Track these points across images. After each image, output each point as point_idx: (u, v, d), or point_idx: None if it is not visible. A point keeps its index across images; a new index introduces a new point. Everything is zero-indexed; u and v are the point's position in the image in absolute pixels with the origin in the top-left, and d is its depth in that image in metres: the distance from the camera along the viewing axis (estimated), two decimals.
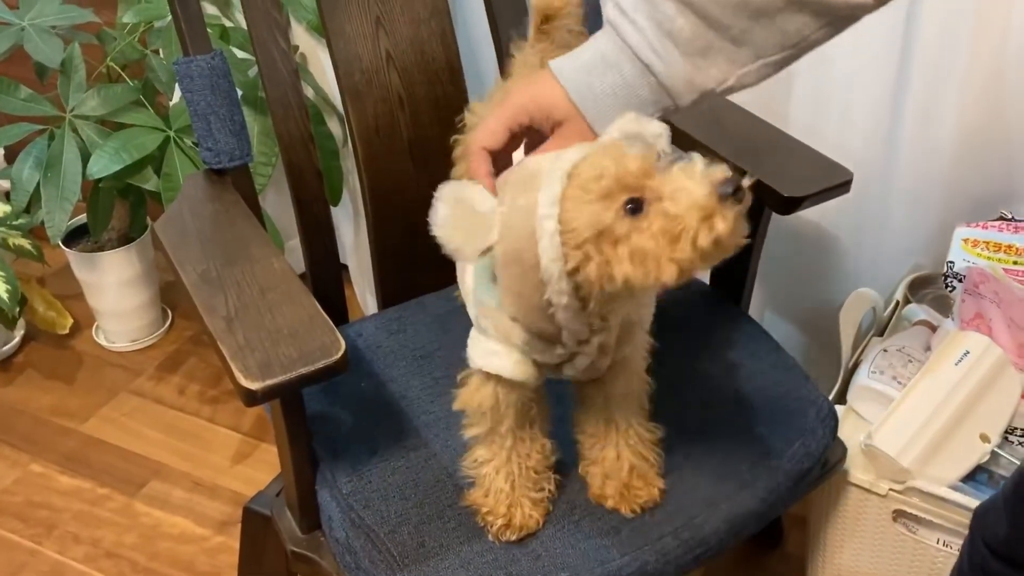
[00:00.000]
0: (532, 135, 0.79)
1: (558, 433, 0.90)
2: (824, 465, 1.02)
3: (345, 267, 1.91)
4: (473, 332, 0.86)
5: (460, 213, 0.73)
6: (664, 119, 0.74)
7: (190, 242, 0.94)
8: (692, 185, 0.65)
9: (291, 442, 0.91)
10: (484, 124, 0.78)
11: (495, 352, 0.81)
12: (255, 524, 1.12)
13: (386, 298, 1.21)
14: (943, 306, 1.32)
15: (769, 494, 0.93)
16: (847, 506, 1.13)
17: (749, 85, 0.73)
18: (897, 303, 1.34)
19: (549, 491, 0.89)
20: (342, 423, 0.99)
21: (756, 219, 1.06)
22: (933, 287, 1.36)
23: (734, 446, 0.96)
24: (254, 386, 0.76)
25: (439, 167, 1.15)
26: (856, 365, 1.26)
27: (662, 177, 0.67)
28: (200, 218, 0.98)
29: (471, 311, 0.87)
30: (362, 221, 1.44)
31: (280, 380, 0.77)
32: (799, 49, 0.70)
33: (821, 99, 1.27)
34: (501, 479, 0.87)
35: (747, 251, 1.09)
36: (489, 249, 0.74)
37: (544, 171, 0.70)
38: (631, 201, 0.67)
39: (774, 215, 1.05)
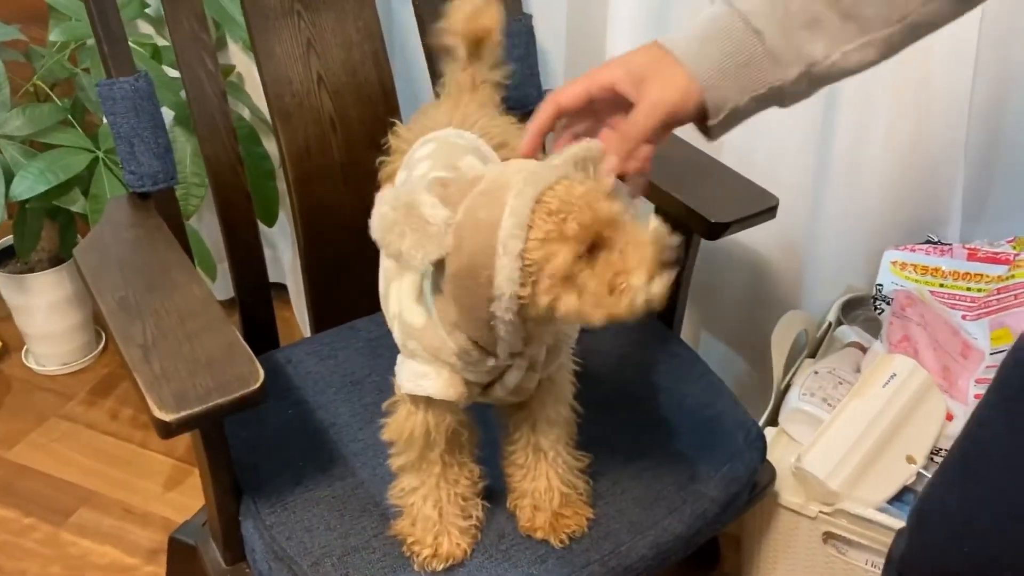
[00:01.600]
0: (599, 117, 0.79)
1: (486, 457, 0.89)
2: (753, 488, 1.02)
3: (285, 287, 1.88)
4: (400, 357, 0.85)
5: (408, 219, 0.72)
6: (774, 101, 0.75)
7: (110, 268, 0.92)
8: (644, 244, 0.68)
9: (213, 473, 0.89)
10: (568, 83, 0.78)
11: (424, 374, 0.80)
12: (181, 555, 1.10)
13: (318, 322, 1.20)
14: (874, 328, 1.34)
15: (696, 519, 0.93)
16: (778, 528, 1.14)
17: (850, 69, 0.73)
18: (830, 324, 1.36)
19: (477, 518, 0.88)
20: (268, 452, 0.98)
21: (686, 244, 1.07)
22: (865, 308, 1.38)
23: (663, 470, 0.96)
24: (168, 417, 0.74)
25: (371, 190, 1.14)
26: (788, 387, 1.27)
27: (622, 228, 0.69)
28: (121, 243, 0.96)
29: (396, 336, 0.86)
30: None
31: (195, 411, 0.75)
32: (904, 27, 0.71)
33: (753, 123, 1.29)
34: (428, 507, 0.86)
35: (678, 275, 1.10)
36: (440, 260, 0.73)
37: (512, 187, 0.69)
38: (592, 246, 0.69)
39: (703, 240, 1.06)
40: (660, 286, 0.69)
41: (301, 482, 0.95)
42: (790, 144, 1.27)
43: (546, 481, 0.87)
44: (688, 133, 1.17)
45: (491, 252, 0.69)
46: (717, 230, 0.99)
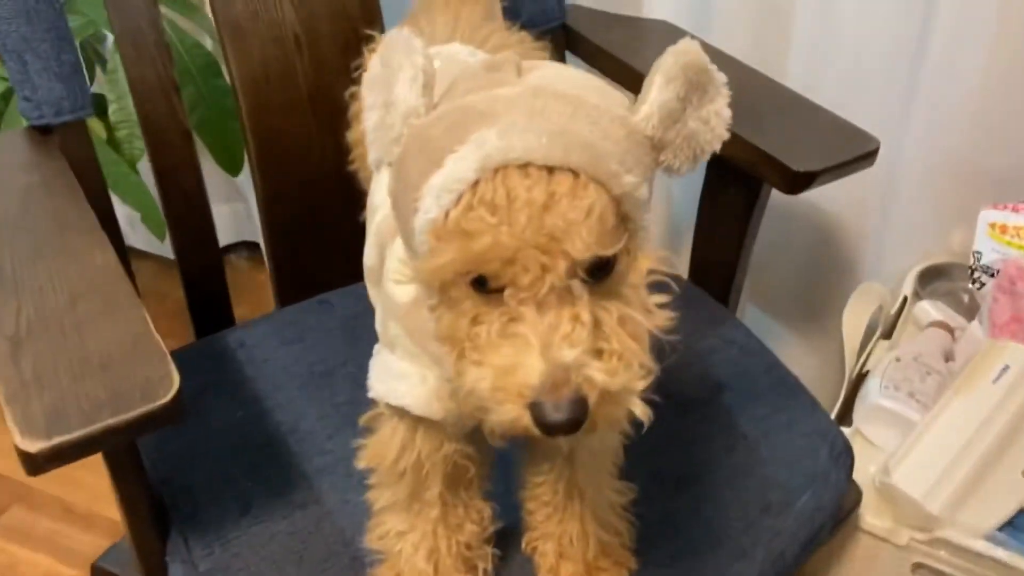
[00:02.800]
0: None
1: (496, 479, 0.67)
2: (835, 515, 0.79)
3: (258, 247, 1.65)
4: (377, 347, 0.62)
5: (386, 85, 0.50)
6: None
7: None
8: (528, 358, 0.45)
9: (124, 505, 0.66)
10: None
11: (401, 375, 0.58)
12: None
13: (283, 293, 0.96)
14: (959, 303, 1.10)
15: (772, 564, 0.70)
16: (854, 555, 0.92)
17: None
18: (905, 299, 1.12)
19: (485, 572, 0.65)
20: (206, 469, 0.75)
21: (752, 199, 0.83)
22: (946, 280, 1.14)
23: (725, 501, 0.73)
24: (34, 447, 0.51)
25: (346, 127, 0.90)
26: (860, 376, 1.04)
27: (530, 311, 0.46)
28: (6, 193, 0.72)
29: (377, 316, 0.63)
30: None
31: (75, 437, 0.52)
32: None
33: (822, 54, 1.04)
34: (421, 558, 0.63)
35: (738, 240, 0.86)
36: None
37: (480, 129, 0.46)
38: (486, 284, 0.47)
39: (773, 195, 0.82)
40: (634, 407, 0.47)
41: (249, 511, 0.72)
42: (868, 77, 1.02)
43: (579, 525, 0.64)
44: (750, 59, 0.94)
45: (413, 199, 0.48)
46: (801, 181, 0.75)
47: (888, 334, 1.09)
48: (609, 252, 0.45)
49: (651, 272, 0.50)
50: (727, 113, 0.51)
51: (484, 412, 0.46)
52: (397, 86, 0.49)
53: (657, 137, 0.49)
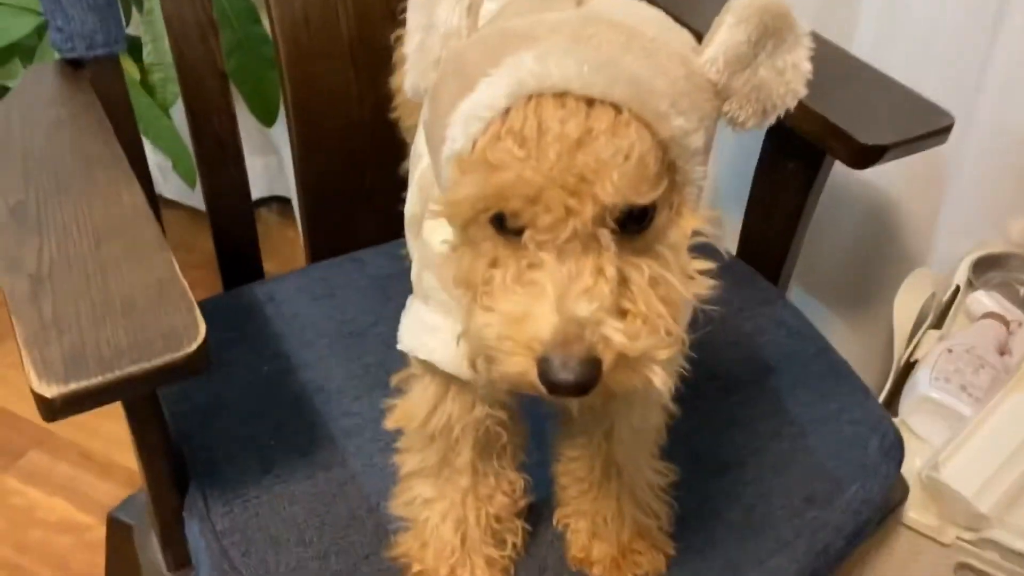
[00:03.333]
0: None
1: (529, 456, 0.63)
2: (882, 510, 0.76)
3: (289, 203, 1.62)
4: (410, 299, 0.60)
5: (426, 5, 0.48)
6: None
7: (9, 161, 0.65)
8: (541, 308, 0.41)
9: (143, 457, 0.63)
10: None
11: (433, 328, 0.55)
12: (122, 537, 0.85)
13: (315, 250, 0.93)
14: (1014, 295, 1.05)
15: (815, 557, 0.67)
16: (894, 551, 0.88)
17: None
18: (957, 288, 1.07)
19: (514, 547, 0.62)
20: (228, 425, 0.72)
21: (812, 173, 0.78)
22: (1001, 270, 1.09)
23: (768, 488, 0.69)
24: (51, 392, 0.48)
25: (388, 76, 0.86)
26: (908, 365, 0.99)
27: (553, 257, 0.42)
28: (33, 127, 0.69)
29: (413, 267, 0.60)
30: None
31: (93, 383, 0.49)
32: None
33: (891, 26, 0.99)
34: (448, 528, 0.60)
35: (794, 216, 0.81)
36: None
37: (520, 50, 0.43)
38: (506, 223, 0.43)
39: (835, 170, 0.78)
40: (653, 376, 0.42)
41: (271, 469, 0.69)
42: (939, 43, 0.96)
43: (615, 504, 0.61)
44: (816, 25, 0.89)
45: (442, 127, 0.45)
46: (870, 156, 0.70)
47: (938, 323, 1.05)
48: (644, 201, 0.41)
49: (696, 234, 0.46)
50: (806, 67, 0.46)
51: (489, 361, 0.43)
52: (439, 7, 0.45)
53: (721, 83, 0.45)
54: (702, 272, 0.45)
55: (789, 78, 0.46)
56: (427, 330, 0.56)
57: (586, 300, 0.40)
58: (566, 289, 0.40)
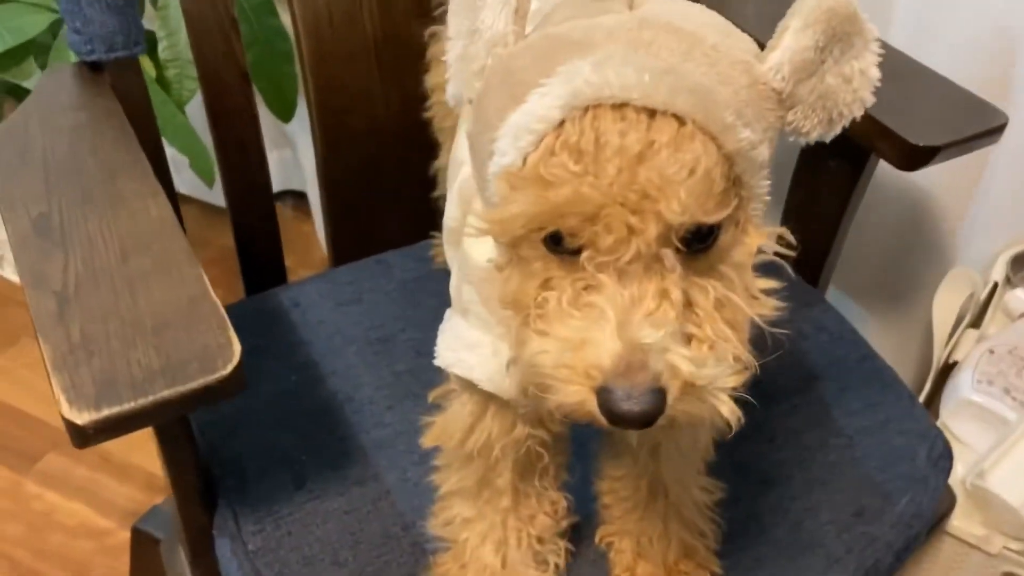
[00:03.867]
0: None
1: (571, 471, 0.61)
2: (931, 523, 0.73)
3: (305, 197, 1.59)
4: (449, 312, 0.57)
5: (468, 8, 0.45)
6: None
7: (30, 170, 0.62)
8: (601, 333, 0.38)
9: (172, 476, 0.61)
10: None
11: (473, 344, 0.53)
12: (147, 548, 0.84)
13: (338, 252, 0.91)
14: None
15: (864, 574, 0.65)
16: (937, 560, 0.86)
17: None
18: (995, 285, 1.05)
19: (556, 568, 0.60)
20: (257, 438, 0.70)
21: (856, 173, 0.75)
22: None
23: (815, 503, 0.67)
24: (82, 419, 0.46)
25: (416, 75, 0.83)
26: (947, 366, 0.97)
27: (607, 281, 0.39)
28: (53, 133, 0.66)
29: (453, 279, 0.57)
30: None
31: (126, 409, 0.47)
32: None
33: (928, 18, 0.96)
34: (488, 550, 0.58)
35: (836, 217, 0.79)
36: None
37: (573, 58, 0.40)
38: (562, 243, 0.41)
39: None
40: (720, 407, 0.40)
41: (302, 485, 0.67)
42: (979, 33, 0.93)
43: (661, 524, 0.58)
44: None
45: (489, 140, 0.42)
46: (920, 157, 0.68)
47: (976, 322, 1.02)
48: (712, 219, 0.39)
49: (761, 252, 0.43)
50: (875, 73, 0.44)
51: (544, 390, 0.41)
52: (484, 11, 0.43)
53: (786, 91, 0.42)
54: (767, 292, 0.43)
55: (856, 85, 0.43)
56: (466, 346, 0.54)
57: (650, 325, 0.38)
58: (628, 313, 0.38)
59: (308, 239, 1.58)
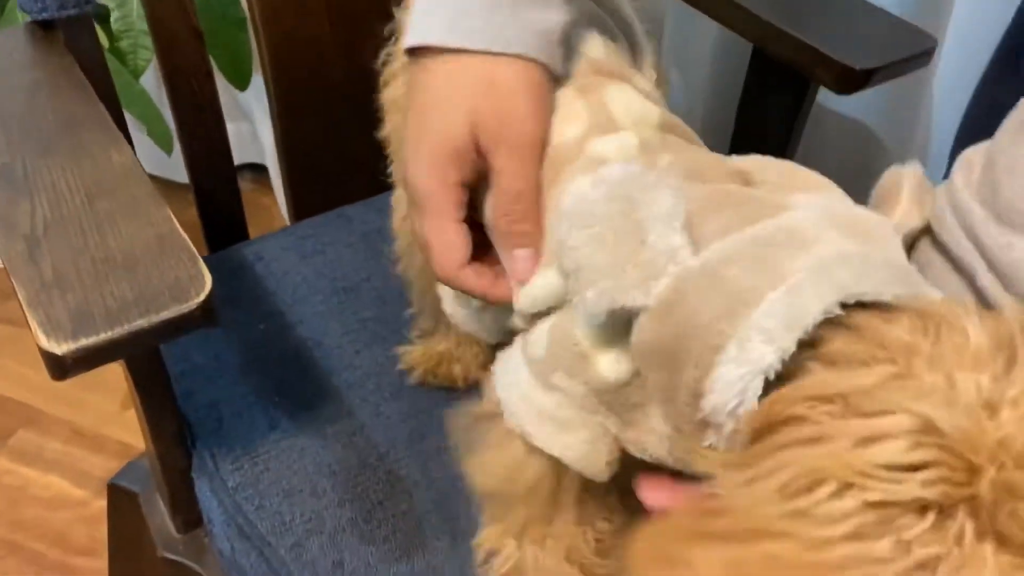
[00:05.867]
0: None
1: None
2: None
3: (264, 170, 1.60)
4: (516, 357, 0.49)
5: (618, 222, 0.42)
6: None
7: None
8: None
9: (149, 417, 0.63)
10: (431, 240, 0.49)
11: (567, 427, 0.47)
12: (124, 503, 0.85)
13: (298, 208, 0.92)
14: None
15: None
16: None
17: None
18: None
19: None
20: (230, 384, 0.72)
21: (799, 102, 0.78)
22: None
23: None
24: (61, 348, 0.48)
25: (373, 28, 0.85)
26: None
27: None
28: (10, 91, 0.67)
29: (533, 344, 0.48)
30: None
31: (103, 339, 0.48)
32: None
33: None
34: (552, 559, 0.52)
35: (782, 147, 0.82)
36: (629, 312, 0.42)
37: (817, 255, 0.39)
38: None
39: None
40: None
41: (277, 425, 0.69)
42: None
43: None
44: None
45: (714, 346, 0.38)
46: (856, 80, 0.71)
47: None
48: None
49: None
50: None
51: None
52: (648, 222, 0.41)
53: None
54: None
55: None
56: (558, 426, 0.47)
57: None
58: None
59: (269, 211, 1.59)
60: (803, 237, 0.39)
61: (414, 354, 0.68)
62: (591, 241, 0.41)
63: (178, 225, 0.55)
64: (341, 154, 0.92)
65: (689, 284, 0.40)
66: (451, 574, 0.61)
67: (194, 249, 0.53)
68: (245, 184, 1.62)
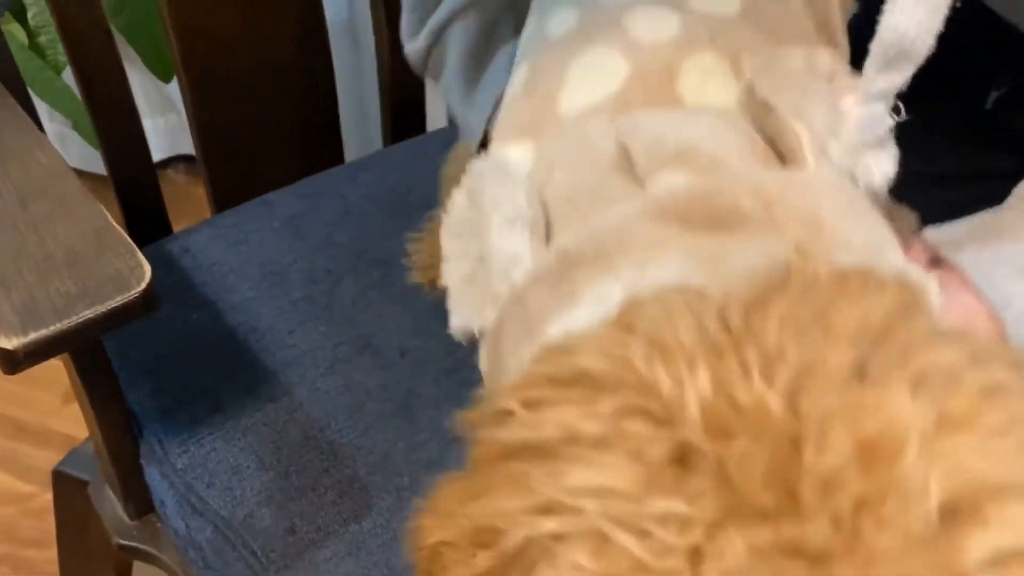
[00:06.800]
0: None
1: None
2: None
3: (195, 160, 1.60)
4: None
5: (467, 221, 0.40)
6: None
7: None
8: None
9: (96, 409, 0.65)
10: None
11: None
12: (72, 491, 0.86)
13: (219, 199, 0.94)
14: None
15: None
16: None
17: None
18: None
19: None
20: (170, 372, 0.74)
21: None
22: None
23: None
24: (11, 344, 0.50)
25: (281, 20, 0.88)
26: None
27: None
28: None
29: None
30: None
31: (52, 331, 0.51)
32: None
33: None
34: None
35: None
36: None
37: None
38: None
39: None
40: None
41: (220, 409, 0.72)
42: None
43: None
44: None
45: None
46: None
47: None
48: None
49: None
50: None
51: None
52: (491, 231, 0.37)
53: None
54: None
55: None
56: None
57: None
58: None
59: (200, 202, 1.58)
60: (617, 248, 0.34)
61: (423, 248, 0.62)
62: (454, 254, 0.39)
63: (111, 219, 0.58)
64: (259, 139, 0.95)
65: (506, 310, 0.36)
66: (397, 528, 0.65)
67: (130, 240, 0.56)
68: (177, 176, 1.60)
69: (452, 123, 1.01)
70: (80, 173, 1.43)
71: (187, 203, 1.60)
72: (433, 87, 1.06)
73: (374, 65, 0.97)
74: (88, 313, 0.52)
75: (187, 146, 1.58)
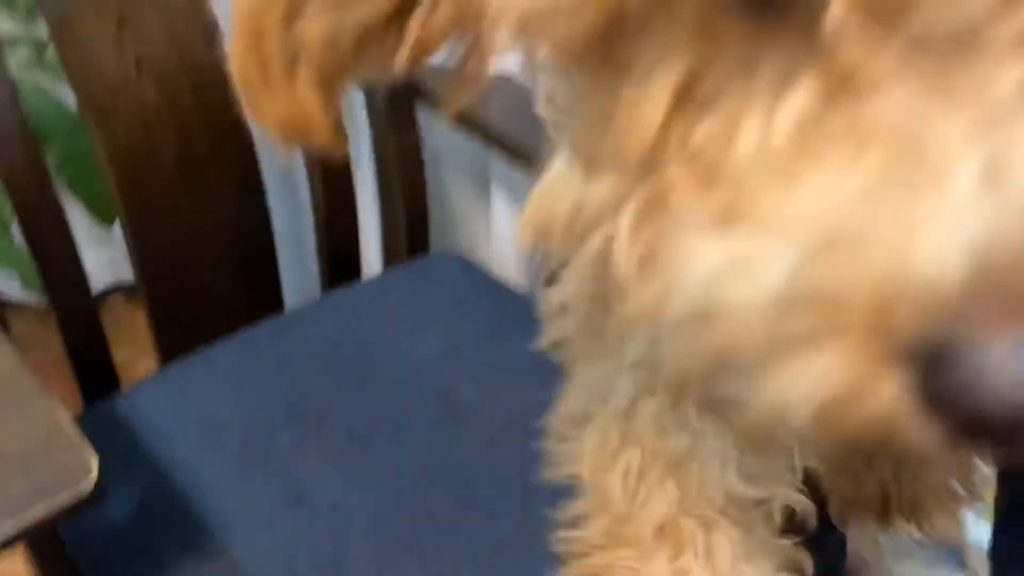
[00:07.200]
0: None
1: None
2: None
3: (135, 288, 1.65)
4: None
5: None
6: None
7: None
8: (914, 205, 0.19)
9: None
10: None
11: None
12: None
13: (165, 354, 1.01)
14: None
15: None
16: None
17: None
18: None
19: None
20: (116, 538, 0.80)
21: None
22: None
23: None
24: None
25: (217, 185, 0.96)
26: None
27: None
28: None
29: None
30: None
31: (10, 531, 0.57)
32: None
33: None
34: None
35: None
36: None
37: None
38: None
39: None
40: None
41: (162, 570, 0.77)
42: None
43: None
44: None
45: None
46: None
47: None
48: None
49: None
50: None
51: (741, 376, 0.20)
52: None
53: None
54: None
55: None
56: None
57: None
58: (983, 138, 0.17)
59: (142, 327, 1.63)
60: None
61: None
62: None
63: (62, 416, 0.64)
64: (199, 294, 1.02)
65: None
66: None
67: (79, 437, 0.62)
68: (119, 304, 1.62)
69: (385, 270, 1.10)
70: (23, 307, 1.48)
71: (129, 328, 1.64)
72: (367, 234, 1.15)
73: (311, 212, 1.06)
74: (42, 512, 0.58)
75: (127, 275, 1.64)
